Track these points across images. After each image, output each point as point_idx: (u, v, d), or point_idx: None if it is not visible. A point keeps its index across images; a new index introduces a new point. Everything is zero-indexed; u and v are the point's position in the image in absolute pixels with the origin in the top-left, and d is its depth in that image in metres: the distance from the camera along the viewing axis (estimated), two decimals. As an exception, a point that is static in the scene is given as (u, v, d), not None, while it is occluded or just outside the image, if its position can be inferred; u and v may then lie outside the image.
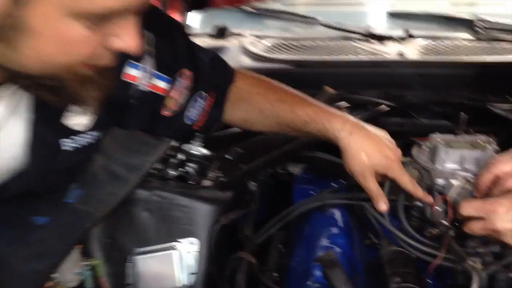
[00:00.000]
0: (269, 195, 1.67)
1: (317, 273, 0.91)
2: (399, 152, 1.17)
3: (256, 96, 1.23)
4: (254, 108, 1.22)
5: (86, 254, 1.00)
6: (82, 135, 0.89)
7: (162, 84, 1.08)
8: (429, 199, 1.11)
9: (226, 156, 1.31)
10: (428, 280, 1.03)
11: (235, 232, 1.26)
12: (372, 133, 1.15)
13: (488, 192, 1.07)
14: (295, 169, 1.63)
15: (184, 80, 1.11)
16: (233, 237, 1.24)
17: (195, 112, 1.16)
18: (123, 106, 1.02)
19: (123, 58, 0.91)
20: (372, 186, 1.12)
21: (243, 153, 1.33)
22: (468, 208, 1.01)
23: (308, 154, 1.50)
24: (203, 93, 1.15)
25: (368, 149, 1.12)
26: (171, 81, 1.09)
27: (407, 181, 1.12)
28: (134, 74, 1.01)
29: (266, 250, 1.35)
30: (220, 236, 1.01)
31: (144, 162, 0.99)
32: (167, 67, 1.08)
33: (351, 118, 1.18)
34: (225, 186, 1.09)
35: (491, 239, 1.02)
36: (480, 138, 1.20)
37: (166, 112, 1.11)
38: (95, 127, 0.91)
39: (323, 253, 1.10)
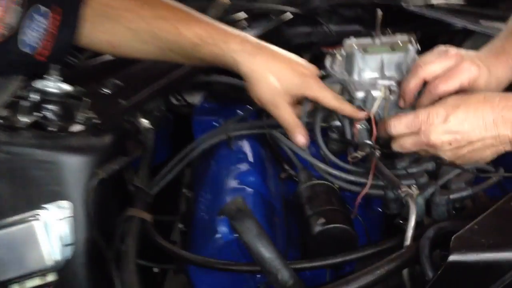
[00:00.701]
0: (169, 132, 1.45)
1: (223, 228, 0.71)
2: (313, 67, 0.97)
3: (124, 12, 0.95)
4: (123, 28, 0.95)
5: None
6: None
7: None
8: (361, 114, 0.93)
9: (101, 90, 1.04)
10: (357, 214, 0.86)
11: (125, 184, 1.02)
12: (278, 52, 0.94)
13: (414, 101, 0.92)
14: (194, 98, 1.39)
15: None
16: (123, 191, 1.01)
17: (34, 35, 0.87)
18: None
19: None
20: (285, 115, 0.92)
21: (122, 85, 1.06)
22: (399, 126, 0.84)
23: (205, 79, 1.26)
24: (41, 8, 0.85)
25: (276, 70, 0.91)
26: None
27: (331, 98, 0.93)
28: None
29: (169, 198, 1.14)
30: (101, 193, 0.86)
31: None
32: None
33: (252, 38, 0.96)
34: (101, 129, 0.92)
35: (423, 155, 0.87)
36: (400, 39, 1.02)
37: None
38: None
39: (231, 199, 0.90)
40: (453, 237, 0.63)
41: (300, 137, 0.92)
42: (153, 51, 0.97)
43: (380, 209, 0.98)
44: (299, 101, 0.96)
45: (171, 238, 1.14)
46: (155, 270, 1.14)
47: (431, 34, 1.48)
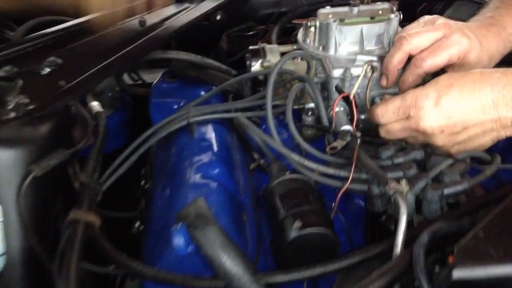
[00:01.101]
0: (128, 116, 1.31)
1: (179, 239, 0.59)
2: None
3: None
4: None
5: None
6: None
7: None
8: None
9: (37, 70, 0.89)
10: (337, 210, 0.75)
11: (69, 181, 0.88)
12: None
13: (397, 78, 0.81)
14: (153, 77, 1.25)
15: None
16: (67, 189, 0.87)
17: None
18: None
19: None
20: None
21: (62, 63, 0.91)
22: (386, 114, 0.73)
23: (163, 56, 1.11)
24: None
25: None
26: None
27: None
28: None
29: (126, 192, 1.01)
30: (38, 193, 0.75)
31: None
32: None
33: None
34: (36, 116, 0.80)
35: (412, 142, 0.76)
36: (380, 7, 0.91)
37: None
38: None
39: (191, 196, 0.78)
40: (455, 248, 0.53)
41: None
42: None
43: (361, 202, 0.87)
44: None
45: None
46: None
47: (409, 2, 1.37)
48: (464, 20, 0.86)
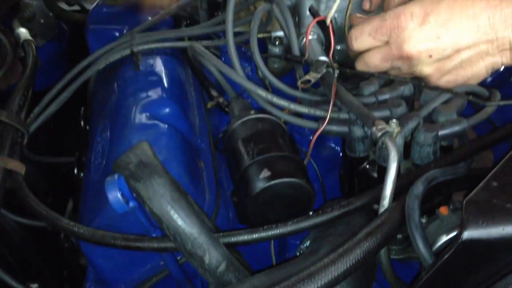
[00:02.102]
0: (63, 46, 1.14)
1: (116, 194, 0.46)
2: None
3: None
4: None
5: None
6: None
7: None
8: None
9: None
10: (310, 159, 0.64)
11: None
12: None
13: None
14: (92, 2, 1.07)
15: None
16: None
17: None
18: None
19: None
20: None
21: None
22: (361, 37, 0.60)
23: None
24: None
25: None
26: None
27: None
28: None
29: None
30: None
31: None
32: None
33: None
34: None
35: (395, 74, 0.64)
36: None
37: None
38: None
39: (135, 140, 0.64)
40: (464, 202, 0.42)
41: None
42: None
43: (335, 145, 0.76)
44: None
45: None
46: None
47: None
48: None
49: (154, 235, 0.53)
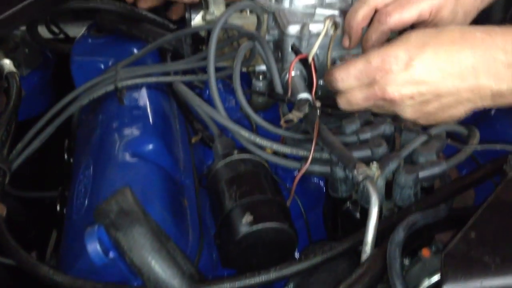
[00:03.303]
0: (48, 76, 1.13)
1: (95, 246, 0.45)
2: None
3: None
4: None
5: None
6: None
7: None
8: None
9: None
10: (294, 196, 0.64)
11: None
12: None
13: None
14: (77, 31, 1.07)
15: None
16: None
17: None
18: None
19: None
20: None
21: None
22: (347, 79, 0.61)
23: (86, 5, 0.93)
24: None
25: None
26: None
27: None
28: None
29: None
30: None
31: None
32: None
33: None
34: None
35: (376, 112, 0.65)
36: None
37: None
38: None
39: (119, 178, 0.64)
40: (443, 254, 0.42)
41: None
42: None
43: (318, 181, 0.76)
44: None
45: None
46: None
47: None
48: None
49: (135, 283, 0.53)
